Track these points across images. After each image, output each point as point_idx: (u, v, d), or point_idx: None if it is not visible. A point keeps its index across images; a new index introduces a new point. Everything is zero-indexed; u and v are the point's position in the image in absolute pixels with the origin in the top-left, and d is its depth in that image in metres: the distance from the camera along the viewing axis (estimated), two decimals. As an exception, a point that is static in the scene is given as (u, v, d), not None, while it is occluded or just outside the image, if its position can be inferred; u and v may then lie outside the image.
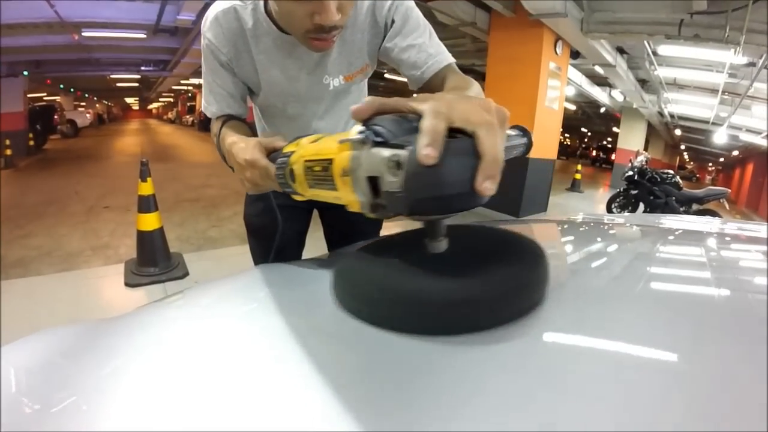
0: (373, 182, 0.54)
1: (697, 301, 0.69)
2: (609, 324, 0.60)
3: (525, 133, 0.73)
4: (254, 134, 1.24)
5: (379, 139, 0.53)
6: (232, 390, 0.51)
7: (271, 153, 0.89)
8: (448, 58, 1.20)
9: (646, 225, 1.46)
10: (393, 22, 1.18)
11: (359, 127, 0.56)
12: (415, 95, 0.60)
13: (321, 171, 0.65)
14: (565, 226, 1.35)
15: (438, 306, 0.53)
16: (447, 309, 0.53)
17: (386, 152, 0.51)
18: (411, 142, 0.49)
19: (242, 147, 0.94)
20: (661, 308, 0.64)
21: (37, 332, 0.80)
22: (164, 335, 0.71)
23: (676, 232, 1.37)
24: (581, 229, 1.33)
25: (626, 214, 6.75)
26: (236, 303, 0.82)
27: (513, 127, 0.72)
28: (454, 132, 0.51)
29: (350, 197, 0.60)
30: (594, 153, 37.61)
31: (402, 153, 0.49)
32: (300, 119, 1.36)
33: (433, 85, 1.19)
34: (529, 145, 0.73)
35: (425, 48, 1.18)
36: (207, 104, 1.27)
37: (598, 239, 1.20)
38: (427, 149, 0.47)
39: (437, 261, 0.59)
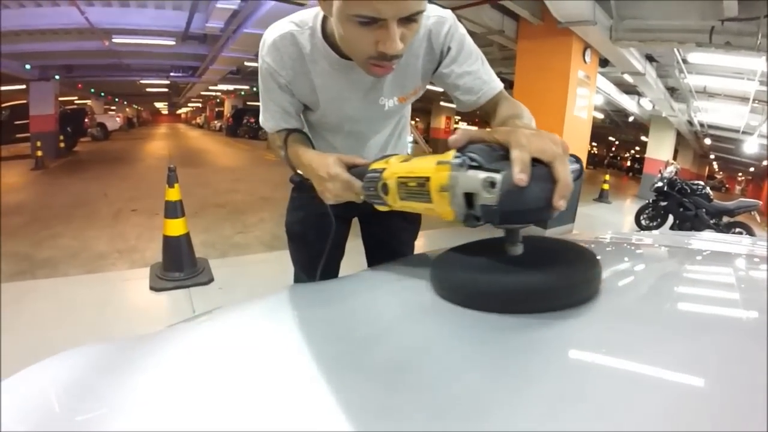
0: (468, 197, 0.71)
1: (725, 326, 0.71)
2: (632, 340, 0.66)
3: (577, 160, 0.81)
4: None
5: (474, 164, 0.70)
6: (267, 412, 0.54)
7: (351, 168, 1.07)
8: (500, 85, 1.31)
9: (674, 246, 1.45)
10: (449, 49, 1.25)
11: (454, 153, 0.73)
12: (497, 128, 0.79)
13: (416, 186, 0.81)
14: (592, 246, 1.32)
15: (515, 293, 0.71)
16: (521, 296, 0.71)
17: (482, 174, 0.68)
18: (502, 168, 0.67)
19: (322, 162, 1.10)
20: (686, 332, 0.68)
21: (72, 349, 0.83)
22: (197, 355, 0.73)
23: (705, 255, 1.36)
24: (608, 249, 1.35)
25: (655, 232, 6.62)
26: (266, 324, 0.85)
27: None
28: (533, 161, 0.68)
29: (445, 209, 0.75)
30: (628, 163, 37.32)
31: (497, 176, 0.66)
32: (355, 136, 1.46)
33: (485, 109, 1.31)
34: (581, 171, 0.82)
35: (480, 75, 1.28)
36: (264, 120, 1.37)
37: (625, 259, 1.23)
38: (520, 175, 0.65)
39: (516, 261, 0.77)
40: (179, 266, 4.08)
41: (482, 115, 1.31)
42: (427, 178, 0.77)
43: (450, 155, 0.73)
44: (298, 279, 1.74)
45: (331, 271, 1.60)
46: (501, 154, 0.71)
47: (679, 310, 0.81)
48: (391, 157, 0.95)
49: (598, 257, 0.80)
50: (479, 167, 0.70)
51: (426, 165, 0.79)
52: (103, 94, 27.98)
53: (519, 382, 0.57)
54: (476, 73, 1.28)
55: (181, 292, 3.85)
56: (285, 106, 1.32)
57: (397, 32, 0.94)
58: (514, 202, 0.66)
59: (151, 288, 3.86)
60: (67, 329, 2.96)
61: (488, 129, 0.81)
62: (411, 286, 0.92)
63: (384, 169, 0.92)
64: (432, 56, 1.27)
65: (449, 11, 1.25)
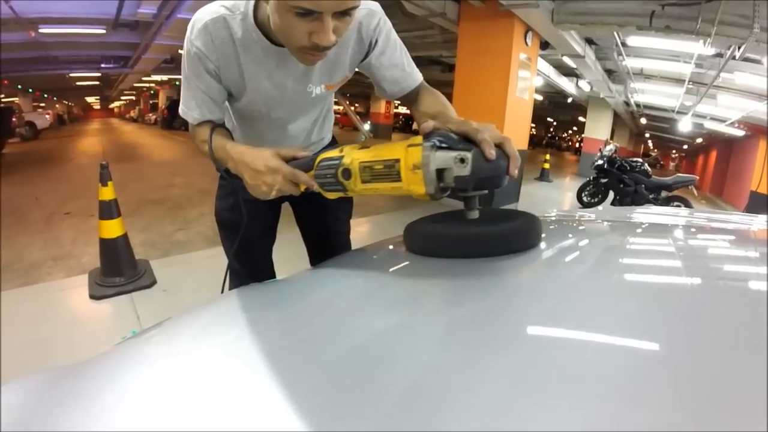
0: (438, 173, 0.89)
1: (669, 290, 0.80)
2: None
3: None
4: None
5: (444, 145, 0.89)
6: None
7: (290, 161, 1.12)
8: (420, 76, 1.46)
9: (618, 220, 1.58)
10: (377, 42, 1.34)
11: (421, 138, 0.91)
12: (451, 119, 1.06)
13: (383, 168, 0.95)
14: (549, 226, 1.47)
15: (474, 241, 0.94)
16: (478, 243, 0.94)
17: (453, 153, 0.88)
18: (466, 149, 0.88)
19: (259, 156, 1.12)
20: (631, 297, 0.75)
21: (10, 381, 0.75)
22: (148, 374, 0.67)
23: (647, 226, 1.50)
24: (552, 227, 1.44)
25: (599, 208, 6.77)
26: (218, 334, 0.81)
27: None
28: None
29: (417, 184, 0.90)
30: (578, 144, 38.53)
31: (468, 154, 0.87)
32: (280, 122, 1.49)
33: (407, 97, 1.47)
34: None
35: (404, 67, 1.42)
36: (187, 109, 1.34)
37: (569, 235, 1.34)
38: (491, 151, 0.86)
39: (473, 221, 0.97)
40: (119, 270, 3.83)
41: (404, 102, 1.48)
42: (397, 160, 0.92)
43: (419, 140, 0.90)
44: (233, 269, 1.70)
45: (264, 257, 1.79)
46: (459, 139, 0.90)
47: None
48: (343, 147, 1.06)
49: (538, 216, 1.03)
50: (448, 148, 0.89)
51: (391, 150, 0.94)
52: (31, 90, 26.89)
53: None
54: (401, 66, 1.41)
55: (123, 298, 3.62)
56: (213, 94, 1.31)
57: (330, 25, 1.00)
58: (482, 172, 0.87)
59: (91, 296, 3.60)
60: (3, 351, 2.73)
61: (441, 121, 1.01)
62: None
63: (341, 156, 1.02)
64: (361, 47, 1.35)
65: (377, 4, 1.31)
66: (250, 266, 1.73)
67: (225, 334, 0.79)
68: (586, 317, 0.67)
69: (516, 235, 0.96)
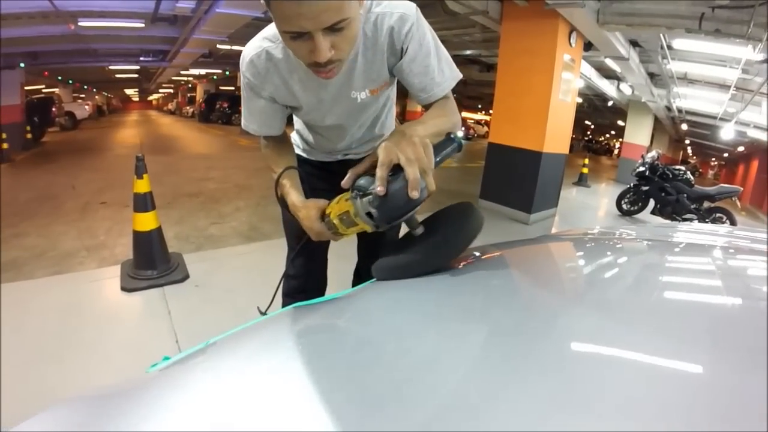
0: (369, 214, 1.08)
1: (704, 315, 0.75)
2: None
3: (453, 137, 1.16)
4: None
5: (361, 193, 1.08)
6: None
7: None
8: (449, 86, 1.45)
9: (659, 239, 1.51)
10: (408, 48, 1.34)
11: (352, 191, 1.12)
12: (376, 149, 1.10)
13: (346, 218, 1.17)
14: (587, 244, 1.48)
15: (417, 263, 1.04)
16: (418, 264, 1.03)
17: (366, 198, 1.07)
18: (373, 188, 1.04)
19: (303, 213, 1.33)
20: (669, 321, 0.71)
21: (51, 407, 0.72)
22: (195, 402, 0.64)
23: (690, 247, 1.43)
24: (590, 245, 1.46)
25: (645, 224, 6.59)
26: (263, 361, 0.76)
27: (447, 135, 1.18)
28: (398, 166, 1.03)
29: (364, 226, 1.13)
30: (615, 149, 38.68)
31: (371, 196, 1.05)
32: (338, 128, 1.65)
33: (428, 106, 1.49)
34: (459, 144, 1.17)
35: (433, 75, 1.40)
36: (248, 123, 1.55)
37: (608, 254, 1.32)
38: (378, 189, 1.01)
39: (416, 239, 1.12)
40: (151, 263, 3.81)
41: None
42: (348, 211, 1.14)
43: (349, 194, 1.14)
44: (292, 247, 1.95)
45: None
46: (373, 179, 1.05)
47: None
48: (331, 203, 1.27)
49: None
50: (363, 195, 1.07)
51: (346, 203, 1.16)
52: (71, 81, 27.35)
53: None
54: (431, 74, 1.39)
55: (154, 291, 3.60)
56: (267, 113, 1.50)
57: (323, 42, 1.03)
58: (385, 206, 1.03)
59: (123, 288, 3.59)
60: (32, 340, 2.74)
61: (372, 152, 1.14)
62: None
63: (330, 212, 1.24)
64: (394, 51, 1.37)
65: (413, 6, 1.32)
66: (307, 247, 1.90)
67: (270, 360, 0.75)
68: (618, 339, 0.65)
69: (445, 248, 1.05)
